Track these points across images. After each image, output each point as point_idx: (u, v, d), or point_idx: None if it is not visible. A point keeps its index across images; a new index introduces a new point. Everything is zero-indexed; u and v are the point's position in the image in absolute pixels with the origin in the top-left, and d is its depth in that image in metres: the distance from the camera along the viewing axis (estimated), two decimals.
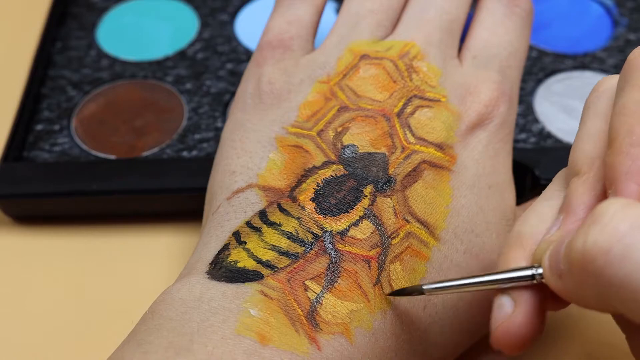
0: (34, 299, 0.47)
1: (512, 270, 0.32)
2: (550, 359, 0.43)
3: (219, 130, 0.54)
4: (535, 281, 0.32)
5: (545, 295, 0.32)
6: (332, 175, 0.39)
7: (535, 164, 0.48)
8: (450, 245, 0.39)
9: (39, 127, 0.54)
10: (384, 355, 0.36)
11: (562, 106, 0.54)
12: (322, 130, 0.40)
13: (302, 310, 0.34)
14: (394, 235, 0.37)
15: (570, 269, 0.29)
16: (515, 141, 0.52)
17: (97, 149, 0.53)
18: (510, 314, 0.32)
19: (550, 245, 0.31)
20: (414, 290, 0.35)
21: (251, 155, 0.40)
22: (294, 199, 0.38)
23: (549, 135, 0.53)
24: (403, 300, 0.37)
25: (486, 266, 0.39)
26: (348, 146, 0.39)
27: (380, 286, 0.36)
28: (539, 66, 0.57)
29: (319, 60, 0.43)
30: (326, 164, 0.39)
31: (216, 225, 0.38)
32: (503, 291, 0.33)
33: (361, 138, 0.40)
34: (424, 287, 0.34)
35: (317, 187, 0.38)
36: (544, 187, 0.45)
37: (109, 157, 0.53)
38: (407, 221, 0.38)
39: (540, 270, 0.32)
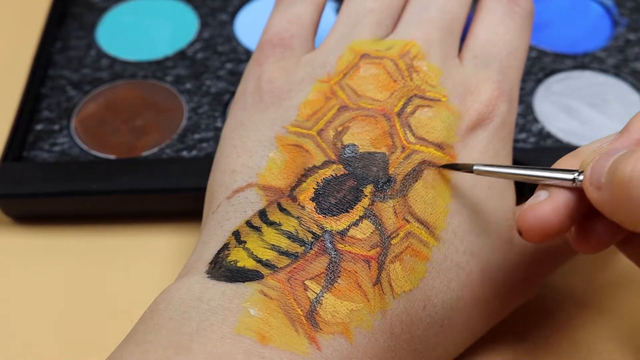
0: (34, 298, 0.47)
1: (556, 170, 0.35)
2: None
3: (218, 130, 0.54)
4: (574, 184, 0.34)
5: (579, 203, 0.35)
6: (332, 175, 0.39)
7: (535, 163, 0.48)
8: (450, 245, 0.39)
9: (39, 127, 0.54)
10: (384, 355, 0.36)
11: (562, 106, 0.54)
12: (322, 130, 0.40)
13: (301, 310, 0.34)
14: (394, 235, 0.37)
15: (611, 185, 0.31)
16: (515, 141, 0.52)
17: (96, 149, 0.53)
18: (542, 201, 0.35)
19: (597, 156, 0.33)
20: (464, 167, 0.39)
21: (251, 155, 0.40)
22: (294, 199, 0.38)
23: (548, 135, 0.53)
24: (403, 300, 0.37)
25: (486, 266, 0.39)
26: (348, 146, 0.39)
27: (380, 286, 0.36)
28: (539, 66, 0.57)
29: (320, 59, 0.43)
30: (326, 164, 0.39)
31: (216, 225, 0.38)
32: (544, 187, 0.36)
33: (361, 137, 0.40)
34: (475, 167, 0.38)
35: (317, 187, 0.38)
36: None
37: (109, 157, 0.53)
38: (407, 221, 0.38)
39: (581, 177, 0.34)
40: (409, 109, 0.41)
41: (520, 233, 0.35)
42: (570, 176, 0.35)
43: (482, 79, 0.42)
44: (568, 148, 0.52)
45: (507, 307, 0.42)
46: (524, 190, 0.47)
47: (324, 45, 0.44)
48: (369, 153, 0.39)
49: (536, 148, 0.52)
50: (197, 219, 0.44)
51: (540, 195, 0.36)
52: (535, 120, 0.54)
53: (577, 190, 0.35)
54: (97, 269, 0.48)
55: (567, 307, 0.45)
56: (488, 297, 0.40)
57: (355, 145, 0.39)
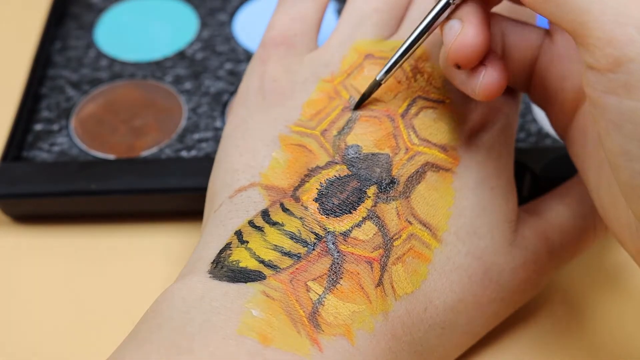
0: (33, 298, 0.47)
1: (438, 4, 0.38)
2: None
3: (218, 130, 0.54)
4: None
5: (483, 10, 0.37)
6: (335, 176, 0.38)
7: (534, 163, 0.48)
8: (452, 247, 0.39)
9: (38, 127, 0.54)
10: (385, 357, 0.36)
11: None
12: (325, 130, 0.40)
13: (304, 311, 0.34)
14: (397, 236, 0.37)
15: None
16: (515, 141, 0.52)
17: (96, 149, 0.53)
18: (461, 29, 0.37)
19: None
20: (371, 88, 0.40)
21: (254, 154, 0.40)
22: (297, 199, 0.38)
23: (547, 135, 0.53)
24: (404, 302, 0.37)
25: (488, 268, 0.39)
26: (352, 146, 0.39)
27: (382, 288, 0.36)
28: None
29: (323, 59, 0.43)
30: (330, 164, 0.39)
31: (218, 224, 0.38)
32: (449, 18, 0.38)
33: (365, 138, 0.40)
34: (377, 77, 0.40)
35: (320, 187, 0.38)
36: (543, 186, 0.45)
37: (108, 157, 0.53)
38: (410, 223, 0.38)
39: None
40: (413, 111, 0.41)
41: (459, 67, 0.37)
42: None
43: None
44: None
45: (508, 308, 0.41)
46: (522, 190, 0.47)
47: (328, 44, 0.44)
48: (373, 154, 0.39)
49: (535, 148, 0.52)
50: (197, 219, 0.44)
51: (453, 26, 0.37)
52: (534, 121, 0.54)
53: (477, 2, 0.37)
54: (97, 269, 0.48)
55: (567, 306, 0.45)
56: (489, 299, 0.40)
57: (358, 146, 0.39)
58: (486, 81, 0.37)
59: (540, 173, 0.48)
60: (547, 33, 0.41)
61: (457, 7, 0.38)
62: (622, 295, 0.46)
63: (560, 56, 0.40)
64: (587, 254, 0.46)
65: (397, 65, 0.39)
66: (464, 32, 0.37)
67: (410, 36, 0.39)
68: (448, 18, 0.38)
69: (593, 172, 0.38)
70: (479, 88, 0.38)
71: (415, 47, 0.39)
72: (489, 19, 0.38)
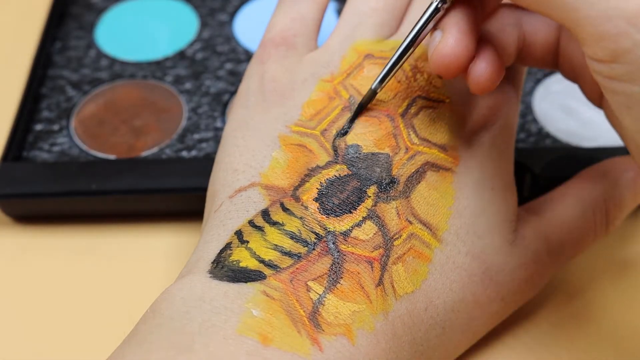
0: (34, 298, 0.47)
1: (428, 9, 0.38)
2: None
3: (218, 130, 0.54)
4: (444, 4, 0.37)
5: (467, 17, 0.37)
6: (335, 175, 0.38)
7: (534, 163, 0.48)
8: (452, 247, 0.39)
9: (39, 127, 0.54)
10: (385, 357, 0.36)
11: (561, 106, 0.55)
12: (325, 130, 0.40)
13: (304, 311, 0.34)
14: (397, 236, 0.37)
15: None
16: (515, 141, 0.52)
17: (96, 149, 0.53)
18: (440, 40, 0.37)
19: None
20: (369, 97, 0.40)
21: (254, 154, 0.40)
22: (297, 199, 0.38)
23: (547, 135, 0.53)
24: (405, 302, 0.37)
25: (488, 268, 0.39)
26: (352, 146, 0.39)
27: (383, 287, 0.36)
28: None
29: (323, 59, 0.43)
30: (330, 164, 0.39)
31: (218, 224, 0.38)
32: (434, 30, 0.38)
33: (365, 138, 0.40)
34: (373, 86, 0.40)
35: (320, 187, 0.38)
36: (543, 186, 0.45)
37: (109, 157, 0.53)
38: (410, 222, 0.38)
39: None
40: (412, 110, 0.41)
41: (439, 76, 0.38)
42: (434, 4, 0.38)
43: None
44: (567, 148, 0.52)
45: (508, 308, 0.41)
46: (523, 190, 0.47)
47: (327, 44, 0.44)
48: (373, 154, 0.39)
49: (535, 148, 0.52)
50: (197, 219, 0.44)
51: (435, 37, 0.38)
52: (535, 120, 0.54)
53: (461, 8, 0.38)
54: (97, 269, 0.48)
55: (568, 305, 0.45)
56: (489, 299, 0.40)
57: (358, 145, 0.39)
58: (476, 74, 0.38)
59: (540, 173, 0.48)
60: None
61: (445, 14, 0.38)
62: (625, 293, 0.46)
63: None
64: (589, 252, 0.46)
65: (392, 74, 0.40)
66: (443, 43, 0.37)
67: (402, 44, 0.39)
68: (435, 28, 0.38)
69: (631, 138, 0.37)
70: (469, 81, 0.38)
71: (407, 54, 0.39)
72: (477, 26, 0.38)
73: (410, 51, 0.39)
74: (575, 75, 0.42)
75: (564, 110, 0.54)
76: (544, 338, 0.44)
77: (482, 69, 0.38)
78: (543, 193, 0.44)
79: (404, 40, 0.39)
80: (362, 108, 0.40)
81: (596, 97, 0.41)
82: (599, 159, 0.45)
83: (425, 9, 0.38)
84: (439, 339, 0.38)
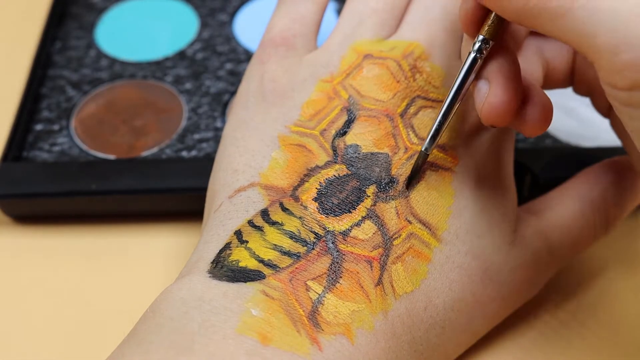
0: (33, 298, 0.47)
1: (466, 61, 0.37)
2: None
3: (218, 130, 0.54)
4: (486, 46, 0.36)
5: (509, 61, 0.36)
6: (334, 175, 0.39)
7: (534, 163, 0.48)
8: (452, 247, 0.39)
9: (39, 127, 0.54)
10: (385, 356, 0.36)
11: (561, 106, 0.54)
12: (325, 130, 0.40)
13: (303, 311, 0.34)
14: (396, 236, 0.38)
15: None
16: (514, 141, 0.52)
17: (96, 149, 0.53)
18: (489, 90, 0.36)
19: None
20: (420, 159, 0.39)
21: (253, 154, 0.40)
22: (297, 199, 0.38)
23: (547, 135, 0.53)
24: (404, 301, 0.37)
25: (488, 267, 0.39)
26: (351, 146, 0.39)
27: (382, 287, 0.36)
28: None
29: (323, 59, 0.43)
30: (329, 164, 0.39)
31: (218, 224, 0.38)
32: (477, 79, 0.37)
33: (364, 138, 0.40)
34: (423, 148, 0.38)
35: (319, 187, 0.38)
36: (543, 186, 0.45)
37: (109, 157, 0.53)
38: (409, 222, 0.38)
39: (481, 37, 0.36)
40: (412, 110, 0.41)
41: (492, 126, 0.37)
42: (477, 45, 0.36)
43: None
44: (567, 148, 0.52)
45: (508, 307, 0.42)
46: (523, 190, 0.47)
47: (327, 45, 0.44)
48: (372, 153, 0.39)
49: (535, 148, 0.52)
50: (197, 219, 0.44)
51: (482, 88, 0.37)
52: None
53: (499, 54, 0.36)
54: (97, 269, 0.48)
55: (566, 306, 0.45)
56: (489, 298, 0.40)
57: (358, 145, 0.39)
58: (531, 120, 0.37)
59: (540, 173, 0.48)
60: None
61: (486, 62, 0.37)
62: (625, 293, 0.46)
63: None
64: (588, 252, 0.46)
65: (441, 132, 0.38)
66: (492, 94, 0.36)
67: (447, 97, 0.38)
68: (478, 77, 0.37)
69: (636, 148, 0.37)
70: (525, 127, 0.37)
71: (455, 107, 0.38)
72: (518, 68, 0.37)
73: (455, 108, 0.38)
74: (588, 90, 0.42)
75: (564, 110, 0.54)
76: (543, 338, 0.44)
77: (536, 114, 0.37)
78: (543, 193, 0.44)
79: (450, 91, 0.38)
80: (417, 172, 0.39)
81: (605, 109, 0.42)
82: (599, 159, 0.45)
83: (463, 62, 0.37)
84: (439, 339, 0.38)
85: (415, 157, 0.39)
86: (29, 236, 0.50)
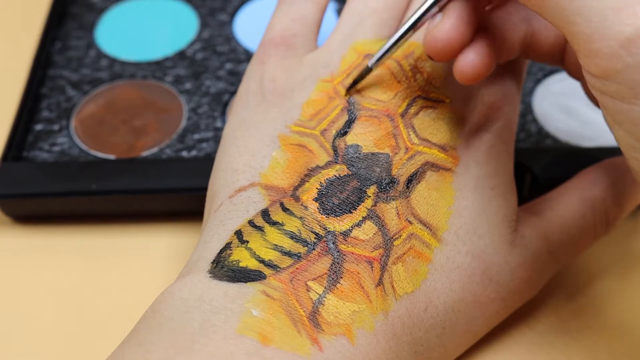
0: (33, 298, 0.47)
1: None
2: None
3: (218, 130, 0.54)
4: None
5: (473, 3, 0.38)
6: (335, 175, 0.38)
7: (534, 163, 0.48)
8: (452, 247, 0.39)
9: (39, 127, 0.54)
10: (385, 357, 0.36)
11: (561, 106, 0.55)
12: (325, 130, 0.40)
13: (304, 311, 0.34)
14: (397, 236, 0.37)
15: None
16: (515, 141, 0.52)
17: (96, 149, 0.53)
18: (438, 22, 0.38)
19: None
20: (364, 72, 0.41)
21: (254, 154, 0.40)
22: (297, 199, 0.38)
23: (547, 135, 0.53)
24: (404, 302, 0.37)
25: (488, 268, 0.39)
26: (352, 146, 0.39)
27: (383, 287, 0.36)
28: (538, 66, 0.57)
29: (323, 59, 0.43)
30: (329, 164, 0.39)
31: (218, 224, 0.38)
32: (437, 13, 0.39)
33: (365, 138, 0.40)
34: (369, 63, 0.40)
35: (320, 187, 0.38)
36: (543, 186, 0.45)
37: (109, 157, 0.53)
38: (410, 222, 0.38)
39: None
40: (412, 110, 0.41)
41: (430, 58, 0.38)
42: None
43: (486, 81, 0.42)
44: (567, 148, 0.52)
45: (508, 308, 0.41)
46: (523, 190, 0.47)
47: (327, 44, 0.44)
48: (373, 154, 0.39)
49: (535, 148, 0.52)
50: (196, 219, 0.44)
51: (435, 19, 0.38)
52: (534, 120, 0.54)
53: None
54: (97, 269, 0.48)
55: (566, 306, 0.45)
56: (489, 299, 0.40)
57: (358, 145, 0.39)
58: (461, 62, 0.38)
59: (540, 173, 0.48)
60: None
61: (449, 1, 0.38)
62: (625, 293, 0.46)
63: None
64: (588, 252, 0.46)
65: (389, 53, 0.40)
66: (439, 26, 0.38)
67: (403, 25, 0.39)
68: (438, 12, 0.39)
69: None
70: (454, 69, 0.38)
71: (407, 35, 0.40)
72: (476, 16, 0.38)
73: (411, 33, 0.39)
74: (579, 72, 0.42)
75: (564, 110, 0.54)
76: (543, 339, 0.44)
77: (470, 59, 0.38)
78: (543, 193, 0.44)
79: (408, 19, 0.39)
80: (357, 83, 0.41)
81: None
82: (599, 159, 0.45)
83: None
84: (439, 339, 0.38)
85: (415, 157, 0.39)
86: (29, 236, 0.50)
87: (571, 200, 0.43)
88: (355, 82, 0.41)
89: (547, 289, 0.45)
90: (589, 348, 0.43)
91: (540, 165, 0.48)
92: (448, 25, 0.37)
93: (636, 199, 0.44)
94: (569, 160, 0.49)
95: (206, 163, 0.46)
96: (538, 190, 0.46)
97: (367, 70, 0.40)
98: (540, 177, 0.48)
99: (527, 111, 0.54)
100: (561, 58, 0.42)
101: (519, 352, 0.43)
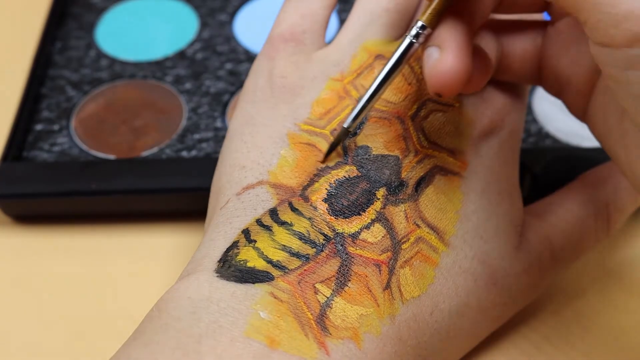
0: (34, 298, 0.47)
1: (401, 45, 0.37)
2: None
3: (218, 130, 0.54)
4: (423, 32, 0.36)
5: (464, 30, 0.36)
6: (345, 176, 0.38)
7: (534, 164, 0.48)
8: (459, 251, 0.39)
9: (39, 127, 0.54)
10: None
11: (561, 106, 0.54)
12: (335, 130, 0.40)
13: (311, 314, 0.34)
14: (405, 239, 0.37)
15: None
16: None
17: (96, 149, 0.53)
18: (439, 57, 0.35)
19: None
20: (342, 136, 0.39)
21: (262, 151, 0.40)
22: (306, 199, 0.38)
23: (547, 135, 0.53)
24: (411, 306, 0.37)
25: (494, 272, 0.39)
26: (362, 147, 0.39)
27: (390, 291, 0.36)
28: None
29: (333, 57, 0.42)
30: (339, 164, 0.39)
31: (224, 221, 0.38)
32: (428, 45, 0.36)
33: (375, 139, 0.39)
34: (344, 125, 0.38)
35: (329, 188, 0.38)
36: (543, 187, 0.45)
37: (109, 157, 0.53)
38: (418, 226, 0.38)
39: (420, 23, 0.36)
40: (422, 113, 0.40)
41: (438, 95, 0.35)
42: (412, 35, 0.37)
43: (494, 87, 0.42)
44: (567, 148, 0.52)
45: (510, 311, 0.41)
46: (523, 191, 0.47)
47: (337, 42, 0.43)
48: (382, 156, 0.39)
49: (535, 148, 0.52)
50: (197, 219, 0.44)
51: (432, 54, 0.36)
52: (534, 121, 0.54)
53: (454, 22, 0.36)
54: (97, 269, 0.48)
55: (566, 308, 0.45)
56: (493, 303, 0.40)
57: (368, 147, 0.39)
58: (438, 68, 0.36)
59: (540, 173, 0.48)
60: (549, 23, 0.40)
61: (439, 28, 0.36)
62: (625, 294, 0.46)
63: (568, 42, 0.39)
64: (590, 254, 0.46)
65: (365, 111, 0.38)
66: (442, 61, 0.35)
67: (375, 80, 0.38)
68: (425, 44, 0.37)
69: (620, 147, 0.37)
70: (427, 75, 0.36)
71: (382, 90, 0.38)
72: (471, 39, 0.37)
73: (383, 89, 0.38)
74: (559, 88, 0.41)
75: (564, 110, 0.54)
76: (543, 339, 0.44)
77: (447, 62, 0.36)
78: (543, 193, 0.44)
79: (380, 73, 0.37)
80: (334, 148, 0.39)
81: (580, 111, 0.41)
82: (598, 159, 0.45)
83: (399, 44, 0.37)
84: (443, 344, 0.38)
85: (424, 160, 0.39)
86: (29, 236, 0.50)
87: (573, 205, 0.43)
88: (333, 146, 0.39)
89: (547, 290, 0.45)
90: (588, 350, 0.43)
91: (540, 165, 0.48)
92: (451, 58, 0.35)
93: (636, 203, 0.44)
94: (569, 160, 0.49)
95: (206, 163, 0.46)
96: (538, 191, 0.46)
97: (345, 133, 0.38)
98: (540, 177, 0.48)
99: (527, 111, 0.54)
100: (535, 74, 0.42)
101: (518, 352, 0.43)
